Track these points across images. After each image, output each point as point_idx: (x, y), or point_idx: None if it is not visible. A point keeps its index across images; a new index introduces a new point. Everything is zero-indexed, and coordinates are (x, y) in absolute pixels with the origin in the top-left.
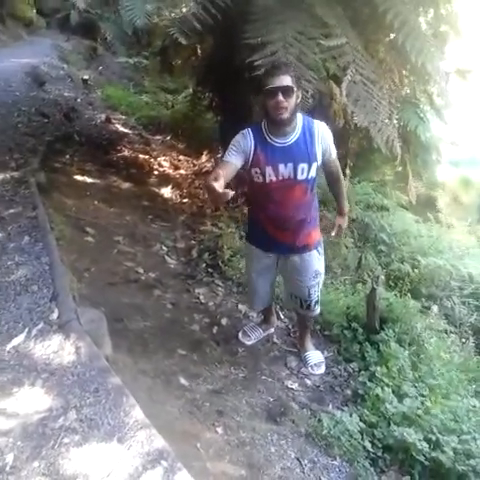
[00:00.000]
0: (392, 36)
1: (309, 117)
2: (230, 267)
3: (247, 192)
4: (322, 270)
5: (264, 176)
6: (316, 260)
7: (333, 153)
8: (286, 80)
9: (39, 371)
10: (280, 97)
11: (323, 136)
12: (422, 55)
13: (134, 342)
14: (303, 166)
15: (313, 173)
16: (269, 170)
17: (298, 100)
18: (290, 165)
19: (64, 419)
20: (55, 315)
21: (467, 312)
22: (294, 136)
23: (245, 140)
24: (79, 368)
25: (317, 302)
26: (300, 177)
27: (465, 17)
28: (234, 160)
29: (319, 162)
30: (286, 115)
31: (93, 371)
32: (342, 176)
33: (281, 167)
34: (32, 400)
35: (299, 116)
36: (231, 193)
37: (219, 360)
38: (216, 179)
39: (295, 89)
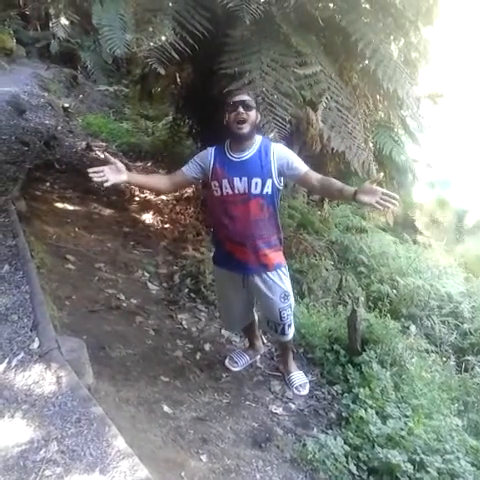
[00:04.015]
0: (365, 63)
1: (268, 139)
2: (212, 292)
3: (209, 211)
4: (290, 291)
5: (221, 189)
6: (281, 281)
7: (300, 167)
8: (245, 96)
9: (19, 402)
10: (240, 109)
11: (279, 155)
12: (393, 81)
13: (116, 370)
14: (256, 181)
15: (268, 189)
16: (225, 183)
17: (258, 120)
18: (245, 179)
19: (45, 451)
20: (36, 344)
21: (447, 331)
22: (250, 152)
23: (206, 156)
24: (60, 398)
25: (290, 326)
26: (254, 191)
27: (435, 44)
28: (187, 170)
29: (275, 180)
30: (247, 128)
31: (74, 401)
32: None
33: (236, 180)
34: (12, 432)
35: (258, 137)
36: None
37: (203, 386)
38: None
39: (254, 106)
